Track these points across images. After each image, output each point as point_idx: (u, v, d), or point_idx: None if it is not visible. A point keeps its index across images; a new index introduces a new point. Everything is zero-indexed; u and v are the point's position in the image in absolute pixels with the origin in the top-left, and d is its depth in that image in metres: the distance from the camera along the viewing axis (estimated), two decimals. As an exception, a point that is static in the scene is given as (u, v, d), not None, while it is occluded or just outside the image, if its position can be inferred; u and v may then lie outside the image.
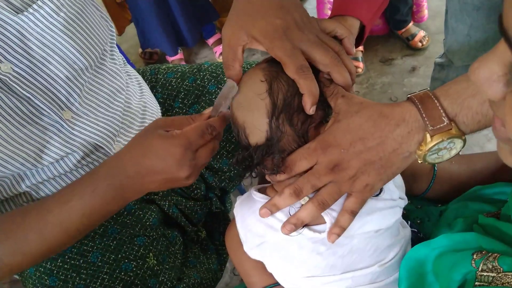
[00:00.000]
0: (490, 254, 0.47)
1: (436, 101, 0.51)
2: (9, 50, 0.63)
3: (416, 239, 0.65)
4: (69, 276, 0.77)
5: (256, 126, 0.55)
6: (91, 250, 0.79)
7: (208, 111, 0.62)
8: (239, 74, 0.59)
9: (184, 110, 0.95)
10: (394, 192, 0.60)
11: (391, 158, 0.53)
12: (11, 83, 0.63)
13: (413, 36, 2.10)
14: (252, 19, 0.58)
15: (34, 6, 0.65)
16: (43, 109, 0.67)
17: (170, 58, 2.32)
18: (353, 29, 0.70)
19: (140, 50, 2.44)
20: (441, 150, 0.52)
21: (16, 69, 0.64)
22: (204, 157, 0.61)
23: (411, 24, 2.11)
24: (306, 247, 0.56)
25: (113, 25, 0.82)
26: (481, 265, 0.47)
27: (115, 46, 0.83)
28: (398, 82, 2.04)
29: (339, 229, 0.54)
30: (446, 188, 0.73)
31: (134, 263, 0.80)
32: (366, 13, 0.71)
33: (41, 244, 0.63)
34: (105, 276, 0.78)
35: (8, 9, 0.63)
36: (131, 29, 2.54)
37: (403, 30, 2.11)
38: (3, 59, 0.63)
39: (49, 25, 0.67)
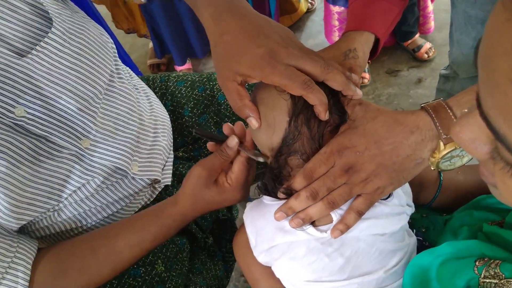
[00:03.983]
0: (492, 261, 0.48)
1: (449, 110, 0.53)
2: (20, 94, 0.63)
3: (421, 247, 0.66)
4: (79, 280, 0.79)
5: (277, 123, 0.57)
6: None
7: (234, 143, 0.64)
8: (254, 108, 0.58)
9: (194, 119, 0.97)
10: (402, 198, 0.61)
11: (404, 164, 0.55)
12: (28, 126, 0.63)
13: (419, 47, 2.11)
14: (235, 58, 0.56)
15: (38, 47, 0.64)
16: (61, 142, 0.68)
17: (178, 68, 2.35)
18: (368, 43, 0.72)
19: (148, 62, 2.47)
20: (454, 158, 0.55)
21: (29, 111, 0.63)
22: (252, 178, 0.70)
23: (417, 35, 2.12)
24: (315, 249, 0.58)
25: (112, 41, 0.80)
26: (484, 271, 0.48)
27: (118, 60, 0.82)
28: (404, 94, 2.05)
29: (343, 226, 0.55)
30: (452, 198, 0.74)
31: (143, 269, 0.81)
32: (380, 27, 0.73)
33: (113, 274, 0.72)
34: (114, 280, 0.79)
35: (12, 53, 0.62)
36: (140, 40, 2.58)
37: (409, 41, 2.13)
38: (15, 104, 0.62)
39: (55, 62, 0.66)
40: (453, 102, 0.54)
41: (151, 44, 2.43)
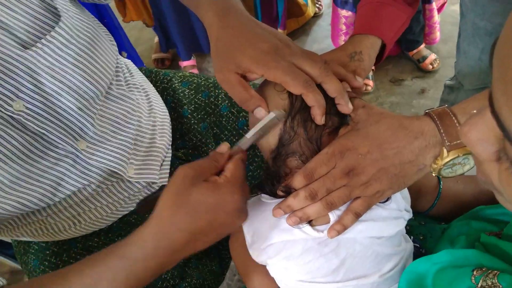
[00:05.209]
0: (490, 271, 0.48)
1: (454, 118, 0.53)
2: (20, 87, 0.60)
3: (418, 254, 0.66)
4: (73, 271, 0.77)
5: None
6: (96, 245, 0.80)
7: (226, 148, 0.58)
8: (261, 98, 0.56)
9: (192, 121, 0.93)
10: (401, 203, 0.61)
11: (406, 169, 0.55)
12: (25, 121, 0.61)
13: (424, 58, 2.11)
14: (239, 50, 0.56)
15: (43, 40, 0.62)
16: (57, 142, 0.66)
17: (182, 64, 2.34)
18: (375, 47, 0.73)
19: (153, 56, 2.47)
20: (456, 165, 0.55)
21: (28, 105, 0.61)
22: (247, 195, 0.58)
23: (422, 46, 2.13)
24: (311, 249, 0.57)
25: (115, 43, 0.78)
26: (481, 281, 0.48)
27: (118, 60, 0.80)
28: (406, 103, 2.05)
29: (340, 226, 0.55)
30: (450, 207, 0.74)
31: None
32: (387, 32, 0.73)
33: None
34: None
35: (16, 44, 0.60)
36: (146, 33, 2.58)
37: (415, 51, 2.13)
38: (14, 98, 0.60)
39: (59, 58, 0.64)
40: (457, 110, 0.54)
41: (156, 39, 2.43)
